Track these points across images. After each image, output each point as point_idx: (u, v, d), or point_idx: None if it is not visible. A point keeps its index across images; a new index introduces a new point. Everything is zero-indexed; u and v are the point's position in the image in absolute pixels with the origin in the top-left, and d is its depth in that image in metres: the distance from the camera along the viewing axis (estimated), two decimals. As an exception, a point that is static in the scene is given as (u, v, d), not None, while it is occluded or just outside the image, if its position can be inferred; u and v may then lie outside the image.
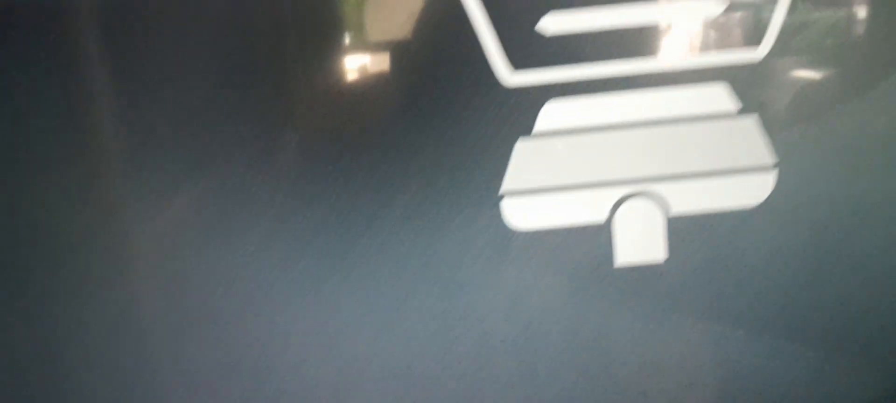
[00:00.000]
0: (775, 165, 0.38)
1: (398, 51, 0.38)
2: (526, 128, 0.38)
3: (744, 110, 0.38)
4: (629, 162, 0.39)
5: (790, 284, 0.40)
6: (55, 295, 0.40)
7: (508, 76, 0.38)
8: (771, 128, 0.38)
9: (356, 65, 0.38)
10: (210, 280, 0.39)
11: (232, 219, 0.39)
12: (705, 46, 0.38)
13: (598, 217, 0.39)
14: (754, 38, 0.38)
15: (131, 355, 0.41)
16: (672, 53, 0.38)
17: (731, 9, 0.38)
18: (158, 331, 0.40)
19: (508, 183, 0.39)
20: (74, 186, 0.39)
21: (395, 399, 0.41)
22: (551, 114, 0.38)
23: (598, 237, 0.40)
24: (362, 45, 0.38)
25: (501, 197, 0.39)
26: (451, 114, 0.38)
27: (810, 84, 0.38)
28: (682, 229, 0.40)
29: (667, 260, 0.40)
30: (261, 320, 0.40)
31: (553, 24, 0.37)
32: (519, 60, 0.37)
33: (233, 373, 0.41)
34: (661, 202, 0.39)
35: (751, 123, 0.38)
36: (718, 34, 0.38)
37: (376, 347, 0.40)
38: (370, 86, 0.38)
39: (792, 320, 0.41)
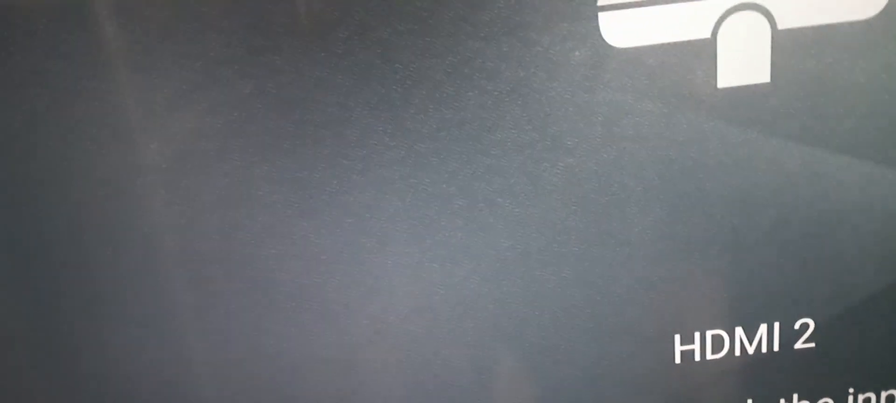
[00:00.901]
0: (897, -32, 0.35)
1: None
2: (628, -70, 0.35)
3: None
4: (736, -31, 0.35)
5: (904, 104, 0.37)
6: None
7: None
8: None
9: None
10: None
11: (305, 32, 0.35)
12: None
13: (702, 33, 0.36)
14: None
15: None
16: None
17: None
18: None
19: (607, -7, 0.35)
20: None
21: (481, 230, 0.38)
22: (657, -88, 0.35)
23: (701, 55, 0.36)
24: None
25: (599, 10, 0.35)
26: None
27: None
28: (789, 46, 0.36)
29: (772, 80, 0.37)
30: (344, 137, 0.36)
31: None
32: None
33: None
34: (769, 15, 0.36)
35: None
36: None
37: (457, 172, 0.37)
38: None
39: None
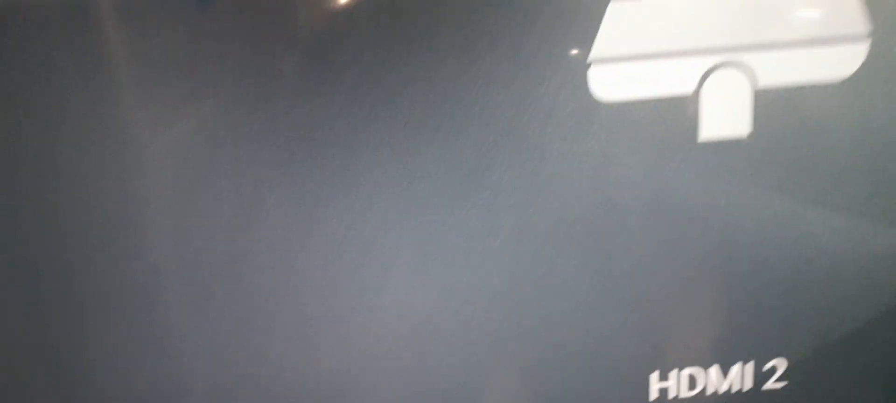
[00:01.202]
0: (869, 34, 0.37)
1: None
2: (619, -10, 0.37)
3: (840, -25, 0.37)
4: (720, 29, 0.37)
5: (875, 161, 0.39)
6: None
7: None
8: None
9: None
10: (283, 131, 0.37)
11: (318, 62, 0.36)
12: None
13: (686, 88, 0.38)
14: None
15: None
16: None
17: None
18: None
19: (597, 50, 0.37)
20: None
21: (472, 266, 0.39)
22: (646, -25, 0.37)
23: (684, 109, 0.38)
24: None
25: (589, 65, 0.37)
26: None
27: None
28: (768, 102, 0.38)
29: (751, 135, 0.39)
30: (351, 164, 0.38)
31: None
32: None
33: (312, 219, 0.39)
34: (750, 73, 0.38)
35: (847, -11, 0.37)
36: None
37: (455, 214, 0.38)
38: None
39: (875, 199, 0.40)
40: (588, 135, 0.38)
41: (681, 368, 0.43)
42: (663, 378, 0.43)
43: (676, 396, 0.44)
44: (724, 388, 0.44)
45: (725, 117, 0.39)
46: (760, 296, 0.41)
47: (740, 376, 0.43)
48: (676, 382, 0.43)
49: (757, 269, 0.41)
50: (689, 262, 0.41)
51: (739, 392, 0.44)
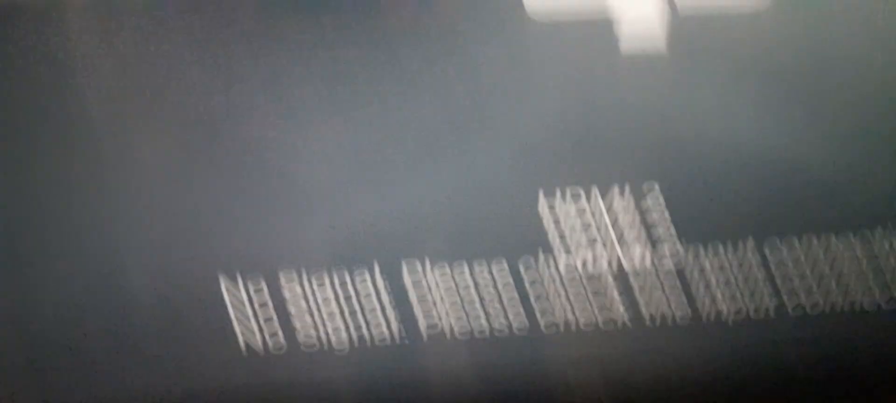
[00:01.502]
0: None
1: None
2: None
3: None
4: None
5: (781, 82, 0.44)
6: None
7: None
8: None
9: None
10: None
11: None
12: None
13: (609, 4, 0.42)
14: None
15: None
16: None
17: None
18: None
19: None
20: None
21: (404, 175, 0.44)
22: None
23: (608, 25, 0.42)
24: None
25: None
26: None
27: None
28: (685, 24, 0.42)
29: (669, 51, 0.43)
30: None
31: None
32: None
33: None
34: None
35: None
36: None
37: (389, 123, 0.43)
38: None
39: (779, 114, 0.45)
40: (519, 46, 0.42)
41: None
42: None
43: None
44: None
45: (647, 34, 0.43)
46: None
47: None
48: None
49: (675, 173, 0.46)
50: (611, 162, 0.45)
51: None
